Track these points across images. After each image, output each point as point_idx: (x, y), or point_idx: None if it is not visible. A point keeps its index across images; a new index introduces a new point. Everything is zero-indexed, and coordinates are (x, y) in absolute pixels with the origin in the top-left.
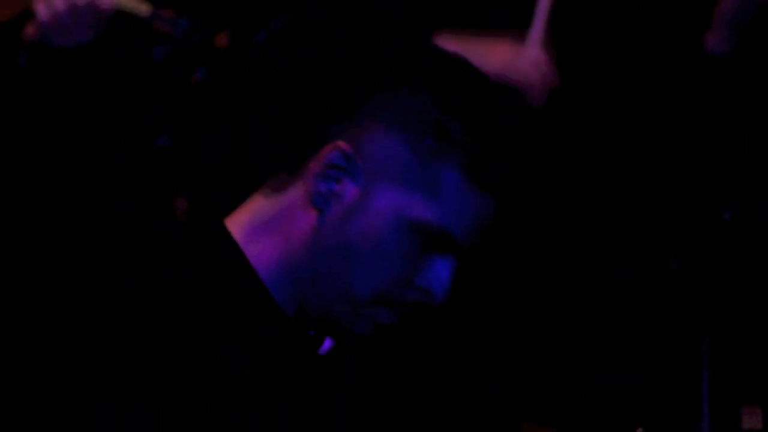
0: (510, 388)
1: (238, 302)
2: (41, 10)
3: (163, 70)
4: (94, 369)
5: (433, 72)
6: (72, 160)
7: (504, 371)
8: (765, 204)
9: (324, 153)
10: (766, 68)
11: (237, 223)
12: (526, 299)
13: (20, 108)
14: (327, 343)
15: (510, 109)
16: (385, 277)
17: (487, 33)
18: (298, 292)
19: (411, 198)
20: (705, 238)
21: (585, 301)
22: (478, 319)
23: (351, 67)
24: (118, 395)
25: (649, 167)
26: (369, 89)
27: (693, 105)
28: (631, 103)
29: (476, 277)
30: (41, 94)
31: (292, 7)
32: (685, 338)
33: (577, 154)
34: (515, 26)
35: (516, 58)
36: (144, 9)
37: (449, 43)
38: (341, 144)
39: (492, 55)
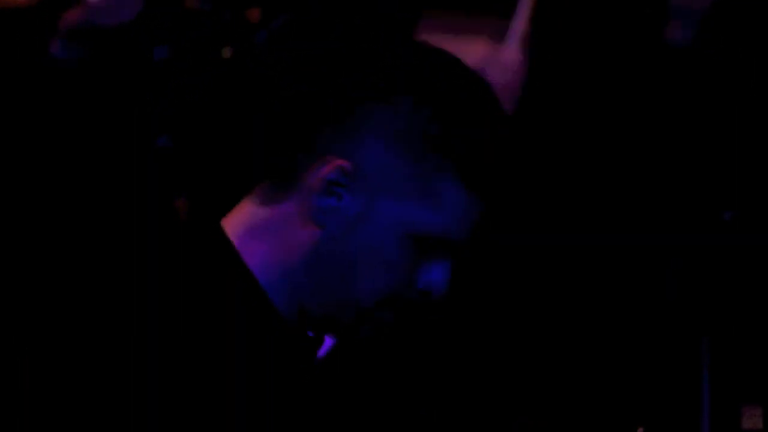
0: (509, 389)
1: (235, 303)
2: None
3: (163, 70)
4: (88, 369)
5: (432, 84)
6: (79, 156)
7: (503, 371)
8: (765, 204)
9: (324, 171)
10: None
11: (230, 229)
12: (526, 299)
13: (42, 103)
14: (325, 346)
15: (505, 118)
16: (388, 285)
17: (475, 18)
18: (298, 298)
19: (412, 210)
20: (705, 238)
21: (585, 301)
22: (478, 319)
23: (341, 74)
24: (115, 396)
25: (649, 167)
26: (361, 98)
27: (693, 105)
28: (630, 103)
29: (476, 277)
30: (67, 87)
31: None
32: (685, 338)
33: (578, 154)
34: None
35: (492, 59)
36: None
37: (429, 37)
38: (341, 162)
39: (468, 54)
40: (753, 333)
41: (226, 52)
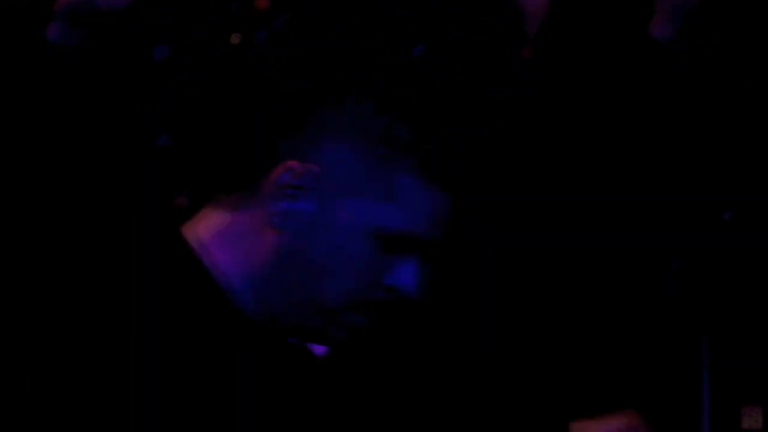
0: (509, 389)
1: (206, 309)
2: None
3: (163, 68)
4: (88, 367)
5: (373, 78)
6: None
7: (503, 371)
8: (765, 204)
9: (275, 173)
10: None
11: (194, 236)
12: (527, 299)
13: (38, 92)
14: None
15: (456, 103)
16: (353, 285)
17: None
18: (267, 304)
19: (370, 207)
20: (705, 238)
21: (585, 301)
22: (478, 319)
23: (296, 81)
24: (114, 391)
25: (649, 167)
26: (315, 102)
27: (693, 105)
28: (629, 103)
29: (476, 277)
30: (64, 75)
31: None
32: (685, 338)
33: (578, 154)
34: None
35: None
36: None
37: None
38: (292, 163)
39: None
40: (753, 333)
41: (235, 39)
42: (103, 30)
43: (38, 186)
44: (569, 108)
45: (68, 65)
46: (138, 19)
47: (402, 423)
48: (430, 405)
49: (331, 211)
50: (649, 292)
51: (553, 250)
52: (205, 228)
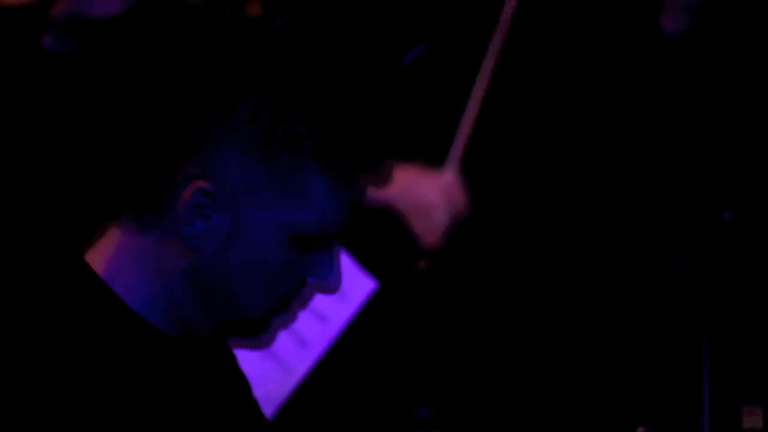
0: (509, 389)
1: (108, 334)
2: None
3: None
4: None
5: (266, 83)
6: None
7: (503, 371)
8: (765, 204)
9: (185, 195)
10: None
11: (98, 260)
12: (526, 300)
13: (38, 97)
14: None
15: (350, 99)
16: (275, 292)
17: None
18: (182, 319)
19: (283, 213)
20: (705, 238)
21: (585, 302)
22: (478, 319)
23: (184, 99)
24: None
25: (649, 167)
26: (206, 117)
27: (693, 105)
28: (629, 102)
29: (476, 277)
30: (61, 81)
31: None
32: (686, 339)
33: (579, 154)
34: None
35: (418, 182)
36: None
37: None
38: (199, 183)
39: (403, 174)
40: (753, 333)
41: (254, 10)
42: (96, 38)
43: (38, 183)
44: (569, 108)
45: (63, 63)
46: (131, 29)
47: (402, 423)
48: (428, 405)
49: (244, 222)
50: (649, 292)
51: (553, 250)
52: (110, 250)
